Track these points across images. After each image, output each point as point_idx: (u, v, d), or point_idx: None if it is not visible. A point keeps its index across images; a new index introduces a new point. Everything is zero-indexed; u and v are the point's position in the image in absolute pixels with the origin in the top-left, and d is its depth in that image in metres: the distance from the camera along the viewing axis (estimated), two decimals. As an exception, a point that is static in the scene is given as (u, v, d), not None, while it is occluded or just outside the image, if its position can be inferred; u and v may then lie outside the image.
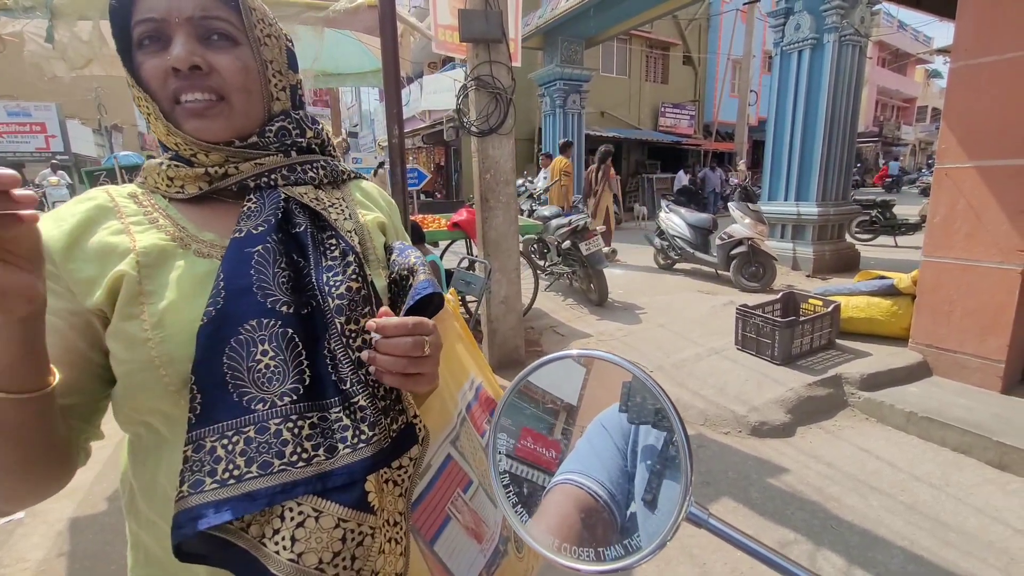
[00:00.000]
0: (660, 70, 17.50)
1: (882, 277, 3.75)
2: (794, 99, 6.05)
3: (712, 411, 2.89)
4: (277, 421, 0.50)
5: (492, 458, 0.49)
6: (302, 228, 0.57)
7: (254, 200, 0.57)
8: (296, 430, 0.50)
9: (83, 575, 1.85)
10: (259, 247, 0.54)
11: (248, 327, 0.51)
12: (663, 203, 7.12)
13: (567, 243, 4.99)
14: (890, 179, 19.46)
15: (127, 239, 0.53)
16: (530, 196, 7.96)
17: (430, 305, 0.63)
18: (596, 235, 4.80)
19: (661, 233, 6.66)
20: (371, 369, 0.54)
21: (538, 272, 4.96)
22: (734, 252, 5.55)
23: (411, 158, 16.70)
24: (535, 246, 5.75)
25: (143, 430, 0.56)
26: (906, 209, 8.60)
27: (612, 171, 7.60)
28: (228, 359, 0.50)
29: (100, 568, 1.88)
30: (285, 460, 0.49)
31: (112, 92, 18.54)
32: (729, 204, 6.03)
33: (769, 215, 6.29)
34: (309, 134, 0.63)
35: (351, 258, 0.58)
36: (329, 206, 0.62)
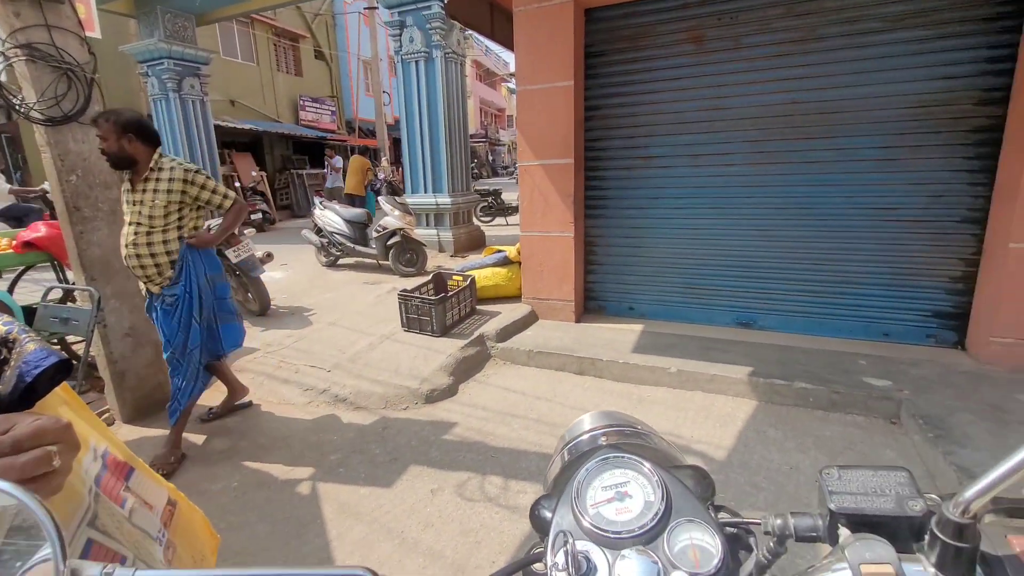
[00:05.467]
0: (293, 62, 16.75)
1: (499, 251, 4.76)
2: (418, 103, 6.85)
3: (391, 393, 3.12)
4: None
5: None
6: None
7: None
8: None
9: None
10: None
11: None
12: (316, 200, 7.03)
13: (209, 252, 4.35)
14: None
15: None
16: None
17: (49, 381, 0.50)
18: (244, 240, 4.36)
19: (319, 230, 6.57)
20: None
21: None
22: (390, 243, 5.99)
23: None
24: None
25: None
26: (511, 195, 11.00)
27: None
28: None
29: None
30: None
31: None
32: (379, 199, 6.44)
33: (414, 206, 7.04)
34: None
35: None
36: None
